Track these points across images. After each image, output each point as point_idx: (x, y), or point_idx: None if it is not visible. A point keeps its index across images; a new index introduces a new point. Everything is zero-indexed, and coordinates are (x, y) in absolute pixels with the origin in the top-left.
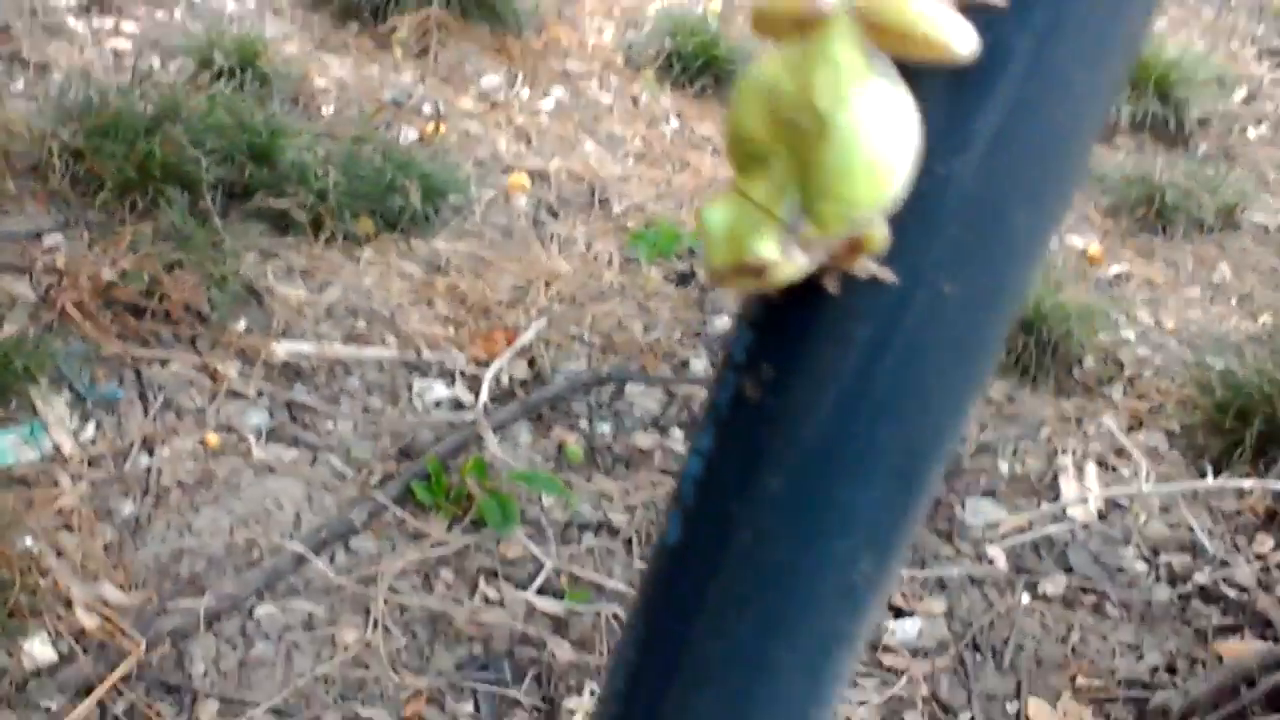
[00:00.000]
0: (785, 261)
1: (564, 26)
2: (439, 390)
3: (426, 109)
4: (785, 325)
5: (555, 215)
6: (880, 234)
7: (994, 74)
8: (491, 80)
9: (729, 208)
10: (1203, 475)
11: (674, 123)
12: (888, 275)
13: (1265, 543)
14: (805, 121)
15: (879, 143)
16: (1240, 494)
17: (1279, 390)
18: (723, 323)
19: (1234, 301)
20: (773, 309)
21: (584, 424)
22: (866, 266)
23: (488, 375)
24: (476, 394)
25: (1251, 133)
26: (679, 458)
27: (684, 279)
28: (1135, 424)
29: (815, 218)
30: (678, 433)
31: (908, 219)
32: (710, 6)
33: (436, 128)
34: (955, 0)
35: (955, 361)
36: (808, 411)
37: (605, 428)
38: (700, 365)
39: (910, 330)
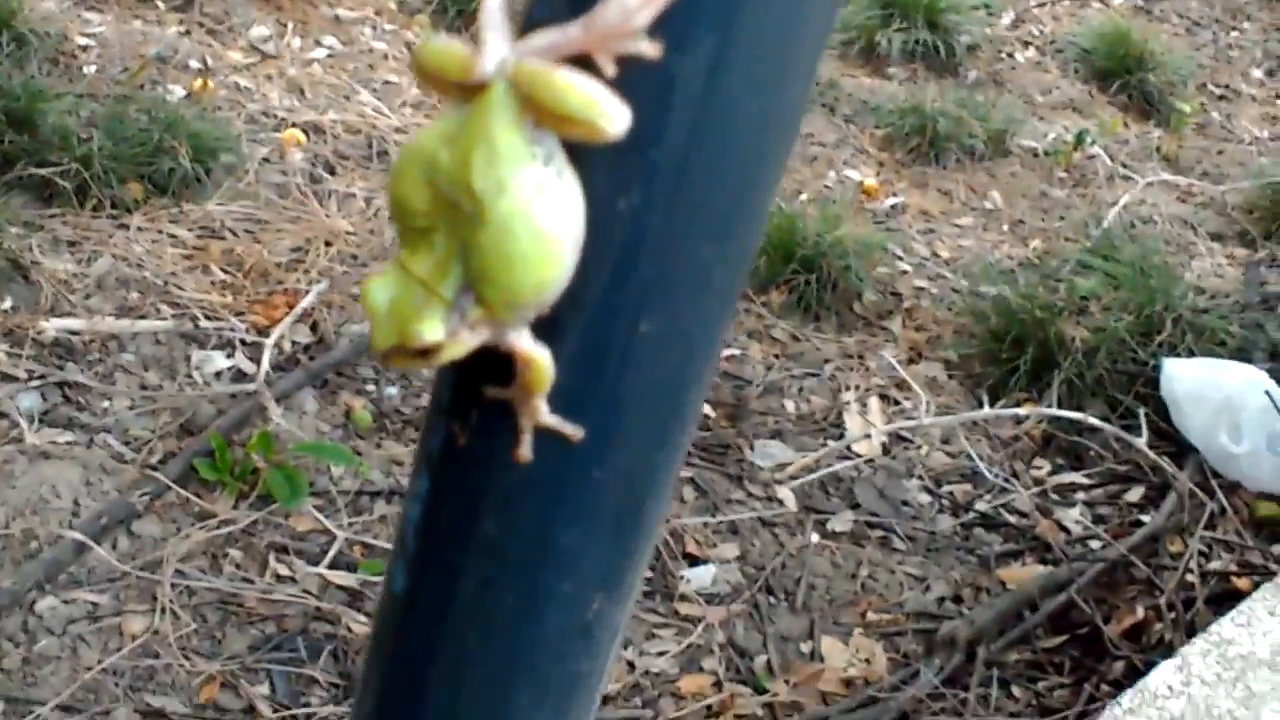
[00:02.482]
0: (451, 344)
1: None
2: (219, 361)
3: (193, 64)
4: (488, 368)
5: (333, 171)
6: (544, 367)
7: (667, 104)
8: (260, 31)
9: (392, 284)
10: (980, 404)
11: None
12: (576, 433)
13: (1043, 467)
14: (464, 202)
15: (539, 232)
16: (1017, 421)
17: (1051, 316)
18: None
19: (1006, 228)
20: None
21: (371, 388)
22: (552, 421)
23: (269, 343)
24: (258, 363)
25: (1019, 56)
26: None
27: None
28: (915, 356)
29: (480, 300)
30: None
31: (594, 258)
32: None
33: (204, 84)
34: (609, 51)
35: (660, 398)
36: None
37: (393, 390)
38: None
39: (609, 372)
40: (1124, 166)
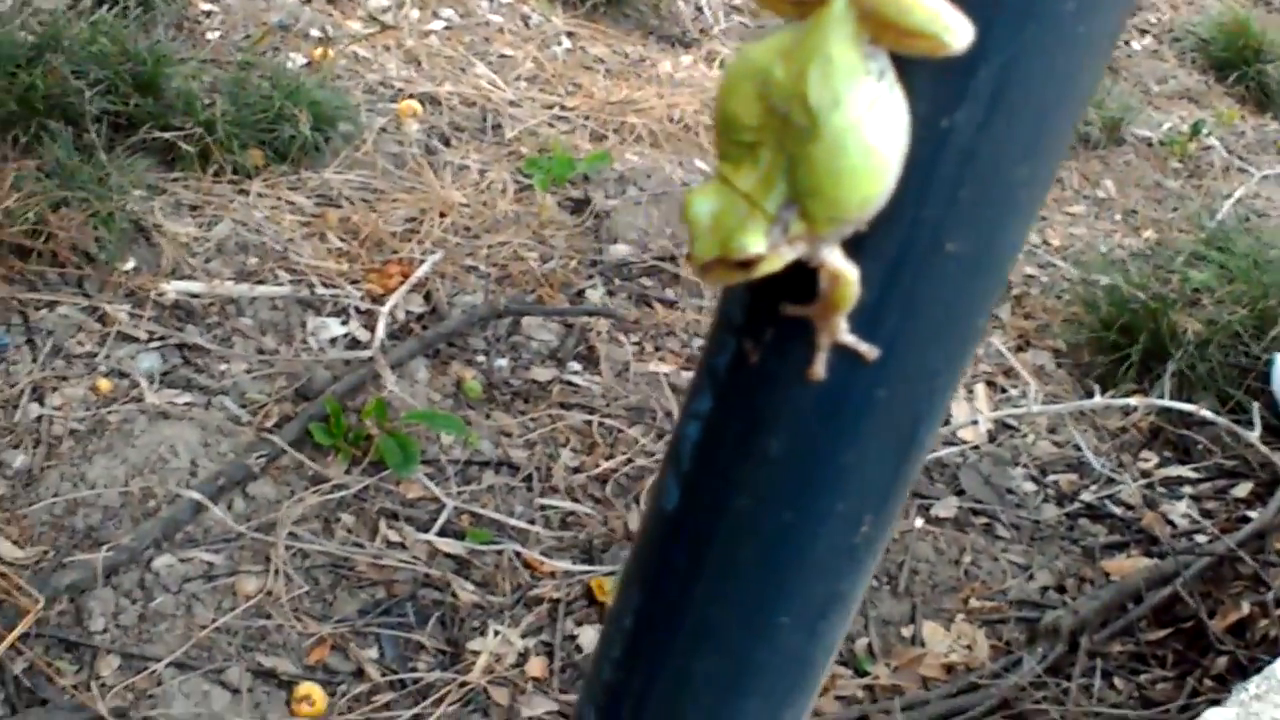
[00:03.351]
0: (772, 257)
1: None
2: (334, 328)
3: (314, 32)
4: (786, 286)
5: (447, 143)
6: (852, 284)
7: (990, 23)
8: (379, 1)
9: (715, 197)
10: (1089, 393)
11: (566, 43)
12: (871, 352)
13: (1150, 460)
14: (797, 115)
15: (869, 147)
16: (1125, 412)
17: (1163, 306)
18: (618, 251)
19: (1118, 217)
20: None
21: (481, 359)
22: (850, 339)
23: (383, 311)
24: (372, 331)
25: (1136, 44)
26: (577, 390)
27: (579, 206)
28: (1023, 344)
29: (803, 214)
30: (575, 365)
31: (909, 176)
32: None
33: (324, 52)
34: None
35: (952, 319)
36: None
37: (503, 362)
38: (596, 295)
39: (910, 289)
40: (1240, 159)
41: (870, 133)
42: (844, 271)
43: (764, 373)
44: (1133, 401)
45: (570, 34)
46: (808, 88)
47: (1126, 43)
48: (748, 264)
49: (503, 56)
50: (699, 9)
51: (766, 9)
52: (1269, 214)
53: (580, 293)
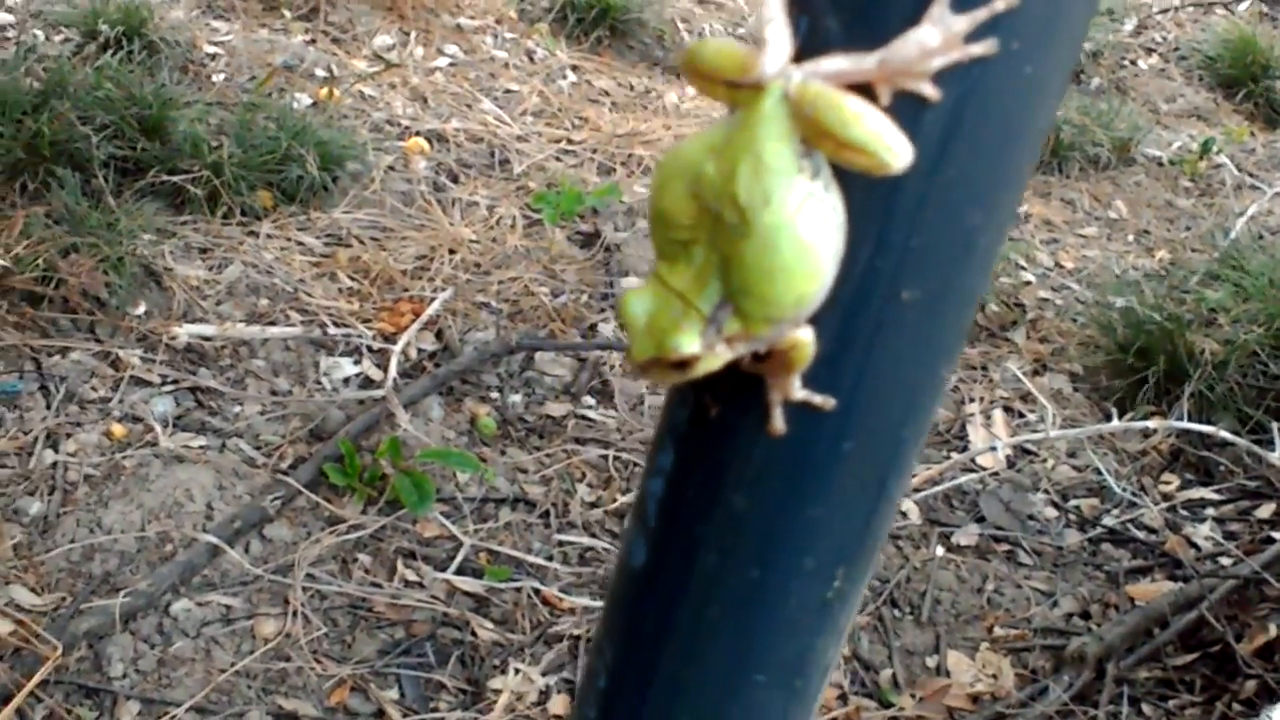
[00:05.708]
0: (709, 356)
1: None
2: (347, 367)
3: (319, 72)
4: None
5: (455, 179)
6: (807, 346)
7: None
8: (384, 40)
9: (650, 297)
10: (1108, 417)
11: (571, 77)
12: (827, 402)
13: (1171, 482)
14: (728, 213)
15: (803, 245)
16: (1145, 434)
17: (1179, 327)
18: (630, 283)
19: (1131, 238)
20: None
21: (495, 395)
22: (802, 395)
23: (396, 350)
24: (385, 370)
25: (1142, 64)
26: (592, 425)
27: (589, 240)
28: (1039, 368)
29: (738, 314)
30: (590, 400)
31: (861, 227)
32: None
33: (330, 92)
34: (895, 86)
35: (914, 368)
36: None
37: (516, 398)
38: (609, 329)
39: (868, 340)
40: (1251, 176)
41: (803, 231)
42: (799, 336)
43: (724, 427)
44: (1151, 424)
45: (575, 67)
46: (737, 186)
47: (1133, 62)
48: (684, 364)
49: (508, 92)
50: (702, 38)
51: (703, 94)
52: None
53: (593, 327)
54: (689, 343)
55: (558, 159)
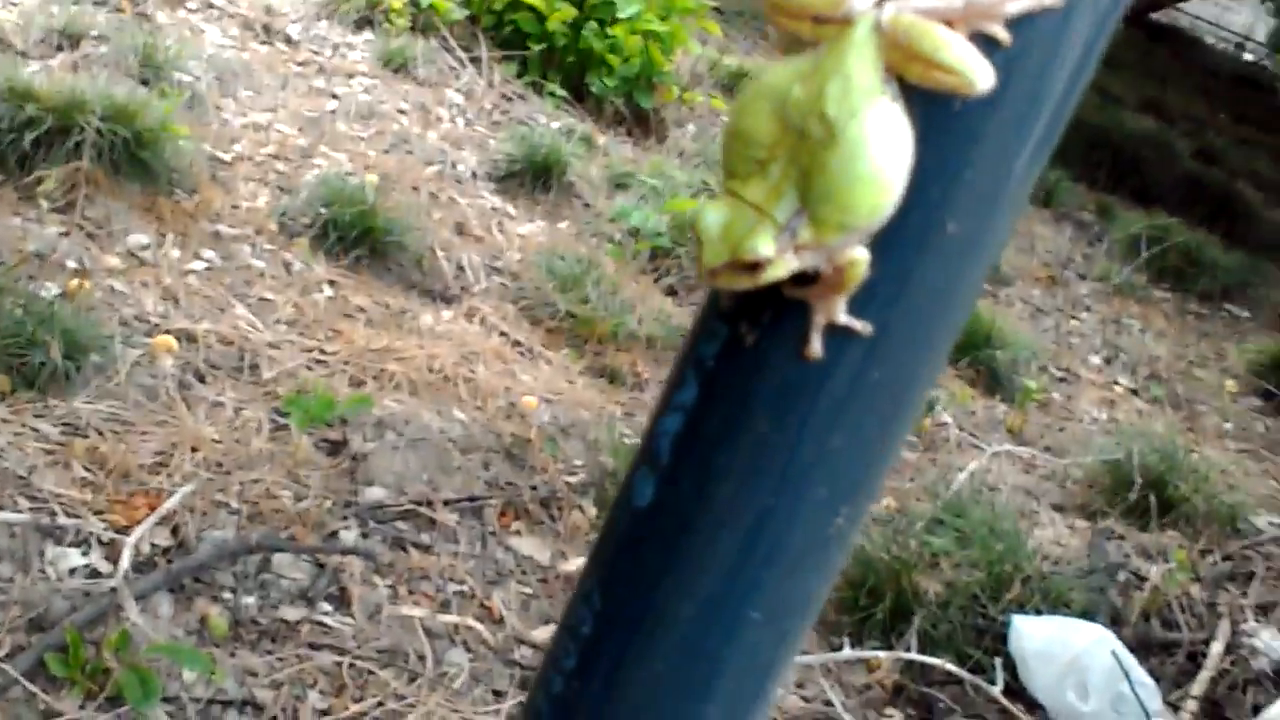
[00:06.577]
0: (779, 261)
1: (217, 189)
2: (74, 558)
3: (71, 264)
4: None
5: (203, 379)
6: (862, 264)
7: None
8: (139, 239)
9: (724, 209)
10: (837, 649)
11: (328, 291)
12: (866, 328)
13: (893, 716)
14: (814, 128)
15: (882, 157)
16: (869, 668)
17: (905, 568)
18: (374, 493)
19: None
20: None
21: (229, 595)
22: (845, 319)
23: (128, 543)
24: (115, 562)
25: None
26: (328, 631)
27: (335, 448)
28: None
29: (813, 221)
30: (326, 605)
31: (919, 153)
32: (368, 177)
33: (80, 284)
34: (971, 26)
35: (946, 301)
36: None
37: (251, 599)
38: (351, 536)
39: (909, 273)
40: (972, 436)
41: (885, 144)
42: (856, 254)
43: (759, 355)
44: (881, 654)
45: (333, 282)
46: (826, 102)
47: None
48: (755, 267)
49: (263, 300)
50: (460, 268)
51: (778, 24)
52: (999, 487)
53: (334, 533)
54: (765, 244)
55: (309, 368)
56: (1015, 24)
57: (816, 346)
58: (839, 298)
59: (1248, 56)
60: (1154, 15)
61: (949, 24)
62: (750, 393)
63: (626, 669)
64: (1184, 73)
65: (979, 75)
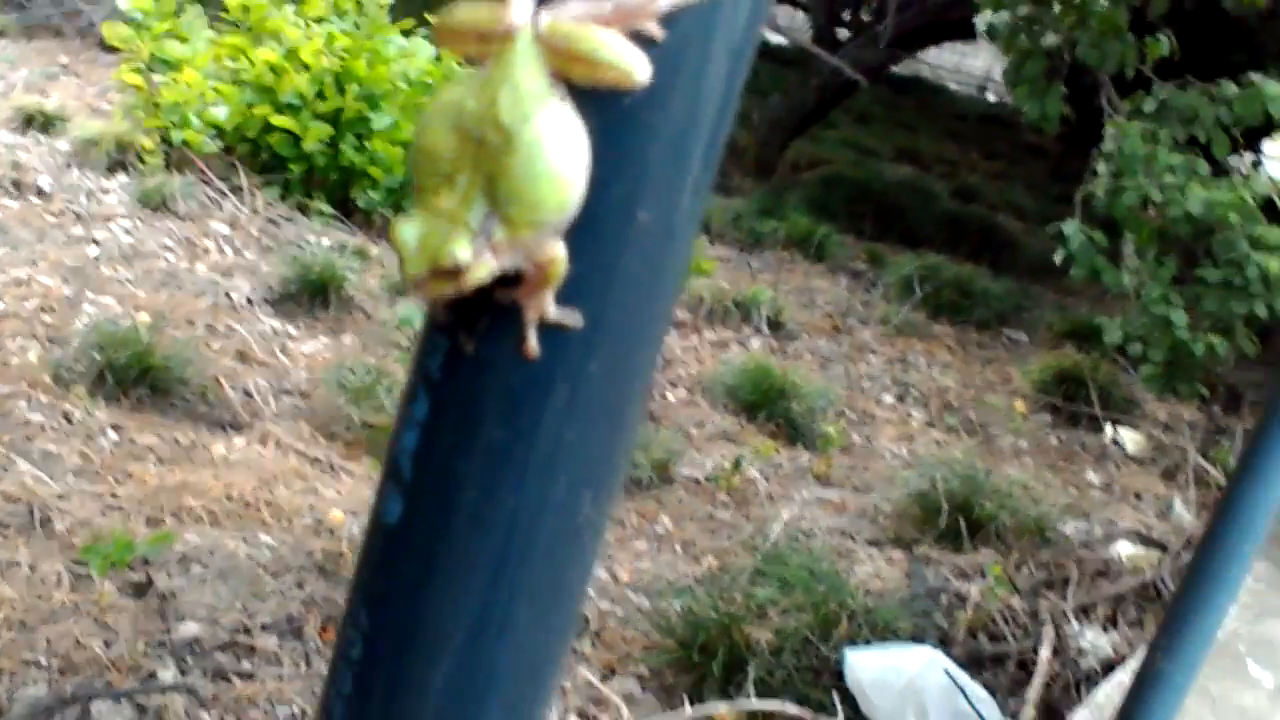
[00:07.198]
0: (478, 263)
1: None
2: None
3: None
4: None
5: None
6: (561, 261)
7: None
8: None
9: (419, 222)
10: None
11: (113, 435)
12: (577, 320)
13: None
14: (491, 136)
15: (558, 155)
16: None
17: (734, 622)
18: (188, 629)
19: (679, 549)
20: None
21: None
22: (556, 314)
23: None
24: None
25: (671, 396)
26: None
27: (141, 589)
28: (608, 673)
29: (505, 222)
30: None
31: (599, 151)
32: (139, 317)
33: None
34: (625, 27)
35: (650, 286)
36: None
37: None
38: (169, 674)
39: (610, 262)
40: (781, 486)
41: (559, 142)
42: (556, 252)
43: (480, 362)
44: (722, 706)
45: (116, 426)
46: (499, 110)
47: (663, 395)
48: (456, 273)
49: (47, 453)
50: (248, 394)
51: (447, 47)
52: (814, 531)
53: (152, 674)
54: (461, 248)
55: (103, 515)
56: (669, 21)
57: (533, 344)
58: (546, 293)
59: (990, 97)
60: (895, 69)
61: (605, 25)
62: (477, 400)
63: (402, 683)
64: (933, 119)
65: (637, 68)
